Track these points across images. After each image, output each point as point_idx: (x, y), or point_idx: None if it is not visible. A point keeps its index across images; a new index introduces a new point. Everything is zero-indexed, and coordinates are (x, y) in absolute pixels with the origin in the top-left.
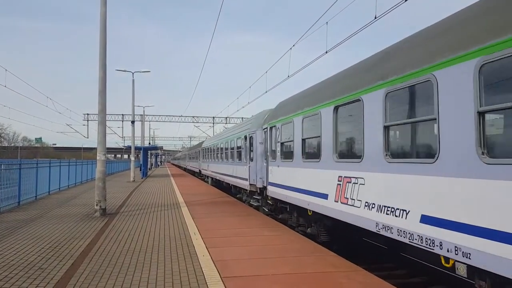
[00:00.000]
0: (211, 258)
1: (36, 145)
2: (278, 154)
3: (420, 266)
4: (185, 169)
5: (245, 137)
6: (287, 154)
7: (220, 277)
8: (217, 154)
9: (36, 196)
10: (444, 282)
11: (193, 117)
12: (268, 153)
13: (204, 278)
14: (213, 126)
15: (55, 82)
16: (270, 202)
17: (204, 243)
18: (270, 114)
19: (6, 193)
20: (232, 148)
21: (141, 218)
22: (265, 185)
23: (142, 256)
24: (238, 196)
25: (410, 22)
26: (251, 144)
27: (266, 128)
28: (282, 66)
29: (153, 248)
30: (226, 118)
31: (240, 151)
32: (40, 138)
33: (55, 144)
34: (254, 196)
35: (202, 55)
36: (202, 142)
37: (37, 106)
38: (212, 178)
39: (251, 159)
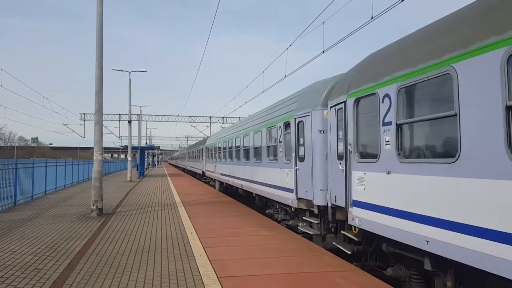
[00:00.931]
0: (208, 258)
1: (32, 145)
2: (389, 147)
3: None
4: (184, 170)
5: (286, 125)
6: (425, 149)
7: (217, 276)
8: (230, 152)
9: (32, 196)
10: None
11: (190, 116)
12: (348, 148)
13: (201, 278)
14: (210, 126)
15: (52, 82)
16: (355, 238)
17: (201, 243)
18: (351, 77)
19: (2, 193)
20: (259, 143)
21: (138, 218)
22: (335, 203)
23: (139, 256)
24: (267, 212)
25: (407, 22)
26: (298, 135)
27: (342, 103)
28: (279, 66)
29: (149, 248)
30: (223, 117)
31: (276, 146)
32: (37, 138)
33: (52, 144)
34: (304, 218)
35: (200, 55)
36: (207, 138)
37: (33, 106)
38: (222, 183)
39: (301, 159)
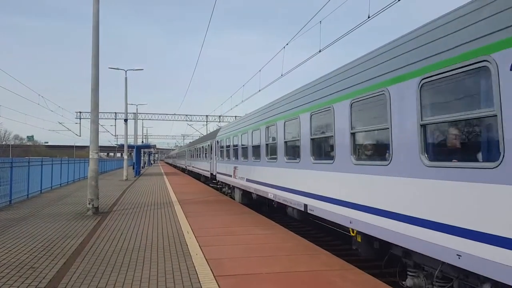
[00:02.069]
0: (204, 256)
1: (28, 144)
2: None
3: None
4: (183, 170)
5: None
6: None
7: (213, 275)
8: (271, 147)
9: (28, 195)
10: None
11: (187, 115)
12: None
13: (197, 276)
14: (206, 125)
15: (48, 81)
16: None
17: (197, 241)
18: None
19: None
20: (381, 124)
21: (134, 216)
22: None
23: (135, 255)
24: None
25: (404, 21)
26: None
27: None
28: (276, 65)
29: (146, 247)
30: (220, 116)
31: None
32: (32, 136)
33: (47, 143)
34: None
35: (197, 54)
36: (218, 130)
37: (28, 104)
38: (246, 193)
39: None
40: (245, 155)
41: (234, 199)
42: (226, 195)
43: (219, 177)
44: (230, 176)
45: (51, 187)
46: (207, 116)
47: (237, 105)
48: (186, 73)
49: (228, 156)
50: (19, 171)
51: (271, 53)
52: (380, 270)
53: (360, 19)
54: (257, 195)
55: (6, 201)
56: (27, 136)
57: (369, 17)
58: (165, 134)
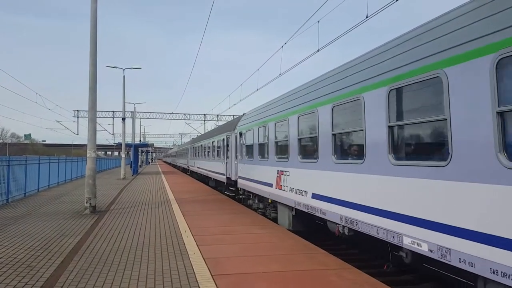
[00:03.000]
0: (202, 255)
1: (25, 142)
2: None
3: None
4: (185, 171)
5: None
6: None
7: (211, 274)
8: (421, 126)
9: (25, 193)
10: (435, 280)
11: (184, 114)
12: None
13: (195, 276)
14: (204, 124)
15: (46, 79)
16: None
17: (195, 240)
18: None
19: None
20: None
21: (131, 215)
22: None
23: (133, 254)
24: None
25: (404, 21)
26: None
27: None
28: (274, 64)
29: (143, 246)
30: (218, 115)
31: None
32: (29, 135)
33: (45, 141)
34: None
35: (195, 54)
36: (239, 118)
37: (26, 103)
38: (314, 218)
39: None
40: (307, 152)
41: (269, 218)
42: (256, 211)
43: (243, 184)
44: (270, 185)
45: (49, 185)
46: (205, 115)
47: (235, 104)
48: (185, 72)
49: (262, 155)
50: (16, 170)
51: (270, 52)
52: (378, 269)
53: (359, 19)
54: (345, 228)
55: (3, 199)
56: (25, 135)
57: (367, 17)
58: (163, 133)
